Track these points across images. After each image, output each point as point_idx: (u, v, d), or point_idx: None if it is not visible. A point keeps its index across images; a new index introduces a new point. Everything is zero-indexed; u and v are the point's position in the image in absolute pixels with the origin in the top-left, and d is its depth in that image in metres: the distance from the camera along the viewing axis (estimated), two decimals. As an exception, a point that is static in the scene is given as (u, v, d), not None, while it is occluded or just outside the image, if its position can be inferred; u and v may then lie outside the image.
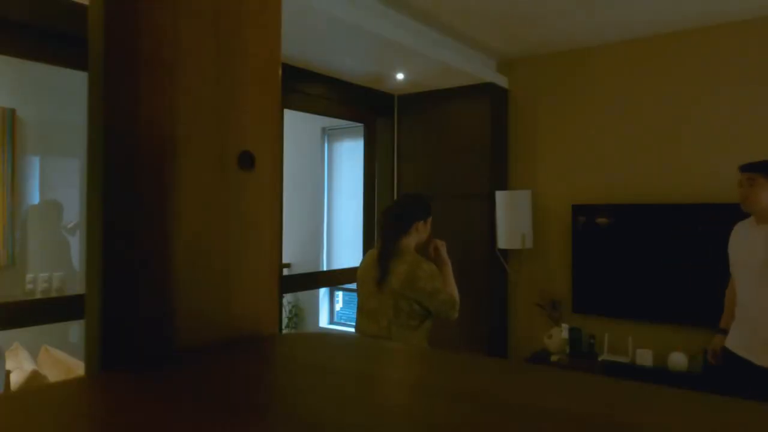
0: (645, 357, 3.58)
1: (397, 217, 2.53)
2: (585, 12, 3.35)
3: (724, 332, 2.70)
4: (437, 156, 4.33)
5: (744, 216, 2.66)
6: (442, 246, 2.62)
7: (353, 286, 5.22)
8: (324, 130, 5.50)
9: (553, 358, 3.79)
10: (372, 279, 2.51)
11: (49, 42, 2.38)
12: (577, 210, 3.91)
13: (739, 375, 2.47)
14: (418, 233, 2.54)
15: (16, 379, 2.68)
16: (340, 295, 5.66)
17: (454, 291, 2.52)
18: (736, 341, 2.53)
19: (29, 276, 3.61)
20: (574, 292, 3.92)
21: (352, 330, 5.58)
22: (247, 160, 0.44)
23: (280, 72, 0.47)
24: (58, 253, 3.78)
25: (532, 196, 4.04)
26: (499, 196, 4.04)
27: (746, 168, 2.55)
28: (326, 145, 5.55)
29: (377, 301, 2.49)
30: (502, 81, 4.24)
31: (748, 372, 2.40)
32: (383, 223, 2.58)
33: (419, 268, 2.41)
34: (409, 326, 2.45)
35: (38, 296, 3.54)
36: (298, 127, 5.26)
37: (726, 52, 3.51)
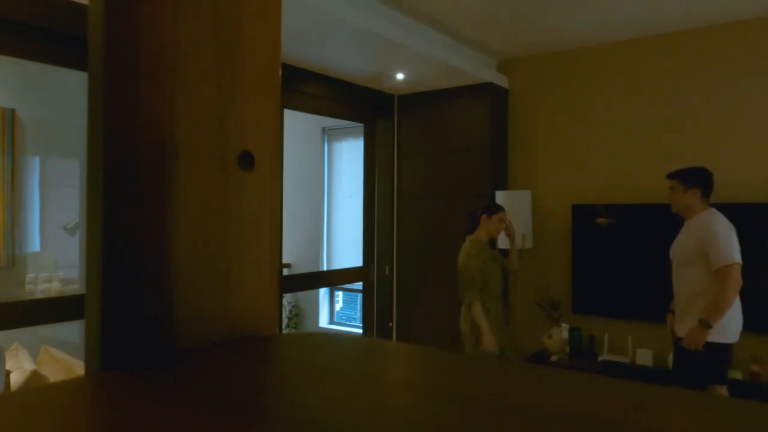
0: (645, 357, 3.58)
1: (469, 216, 3.47)
2: (585, 12, 3.35)
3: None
4: (437, 156, 4.33)
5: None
6: (509, 223, 3.45)
7: (353, 286, 5.23)
8: (324, 130, 5.51)
9: (553, 358, 3.79)
10: None
11: (49, 42, 2.38)
12: (577, 210, 3.90)
13: (679, 355, 2.93)
14: (486, 225, 3.35)
15: (16, 379, 2.68)
16: (340, 295, 5.66)
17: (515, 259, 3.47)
18: (676, 325, 2.99)
19: (29, 276, 3.61)
20: (574, 292, 3.92)
21: (352, 330, 5.58)
22: (247, 160, 0.44)
23: (280, 72, 0.47)
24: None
25: (532, 196, 4.04)
26: (499, 196, 4.04)
27: (669, 176, 3.04)
28: (326, 145, 5.55)
29: None
30: (502, 81, 4.24)
31: (678, 350, 2.90)
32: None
33: (462, 250, 3.31)
34: (464, 302, 3.27)
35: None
36: (298, 127, 5.26)
37: (726, 52, 3.51)
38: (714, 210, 2.91)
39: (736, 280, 2.73)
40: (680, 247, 2.95)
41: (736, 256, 2.75)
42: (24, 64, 3.25)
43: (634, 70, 3.81)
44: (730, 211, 3.39)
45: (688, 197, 2.92)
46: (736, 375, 3.36)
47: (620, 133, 3.86)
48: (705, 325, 2.75)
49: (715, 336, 2.77)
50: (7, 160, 3.52)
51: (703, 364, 2.79)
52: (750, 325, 3.33)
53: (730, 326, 2.82)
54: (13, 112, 3.56)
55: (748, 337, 3.39)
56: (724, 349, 2.81)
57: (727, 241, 2.77)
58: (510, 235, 3.48)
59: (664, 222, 3.61)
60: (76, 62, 2.44)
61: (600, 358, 3.72)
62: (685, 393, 0.32)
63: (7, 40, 2.29)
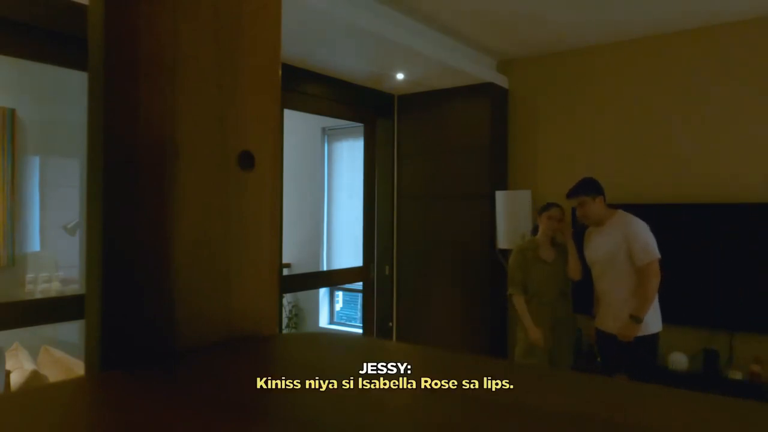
0: (645, 357, 3.57)
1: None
2: (585, 12, 3.35)
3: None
4: (437, 156, 4.33)
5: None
6: (562, 230, 3.36)
7: (353, 286, 5.23)
8: (324, 130, 5.50)
9: (553, 358, 3.78)
10: None
11: (49, 42, 2.38)
12: (577, 210, 3.90)
13: (612, 348, 3.03)
14: (541, 225, 3.35)
15: (16, 379, 2.68)
16: (340, 295, 5.66)
17: (576, 264, 3.27)
18: (603, 322, 3.09)
19: (29, 276, 3.60)
20: (574, 292, 3.91)
21: (352, 330, 5.57)
22: (247, 160, 0.44)
23: (280, 72, 0.47)
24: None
25: (532, 196, 4.04)
26: (499, 196, 4.04)
27: (570, 195, 3.13)
28: (326, 145, 5.55)
29: None
30: (502, 81, 4.24)
31: (617, 344, 2.98)
32: None
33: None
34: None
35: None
36: (298, 127, 5.26)
37: (726, 52, 3.51)
38: (623, 211, 3.06)
39: (658, 275, 2.89)
40: (602, 250, 3.05)
41: (657, 251, 2.90)
42: (24, 64, 3.25)
43: (634, 70, 3.81)
44: (731, 211, 3.40)
45: (598, 206, 3.07)
46: (736, 375, 3.36)
47: (620, 133, 3.85)
48: (637, 320, 2.89)
49: (647, 328, 2.93)
50: (7, 160, 3.52)
51: (642, 356, 2.94)
52: (750, 325, 3.34)
53: (657, 317, 2.99)
54: (13, 112, 3.55)
55: (749, 337, 3.39)
56: (656, 338, 2.99)
57: (647, 239, 2.92)
58: (557, 233, 3.33)
59: (663, 222, 3.61)
60: (76, 62, 2.44)
61: (600, 358, 3.71)
62: (684, 393, 0.32)
63: (7, 40, 2.29)
